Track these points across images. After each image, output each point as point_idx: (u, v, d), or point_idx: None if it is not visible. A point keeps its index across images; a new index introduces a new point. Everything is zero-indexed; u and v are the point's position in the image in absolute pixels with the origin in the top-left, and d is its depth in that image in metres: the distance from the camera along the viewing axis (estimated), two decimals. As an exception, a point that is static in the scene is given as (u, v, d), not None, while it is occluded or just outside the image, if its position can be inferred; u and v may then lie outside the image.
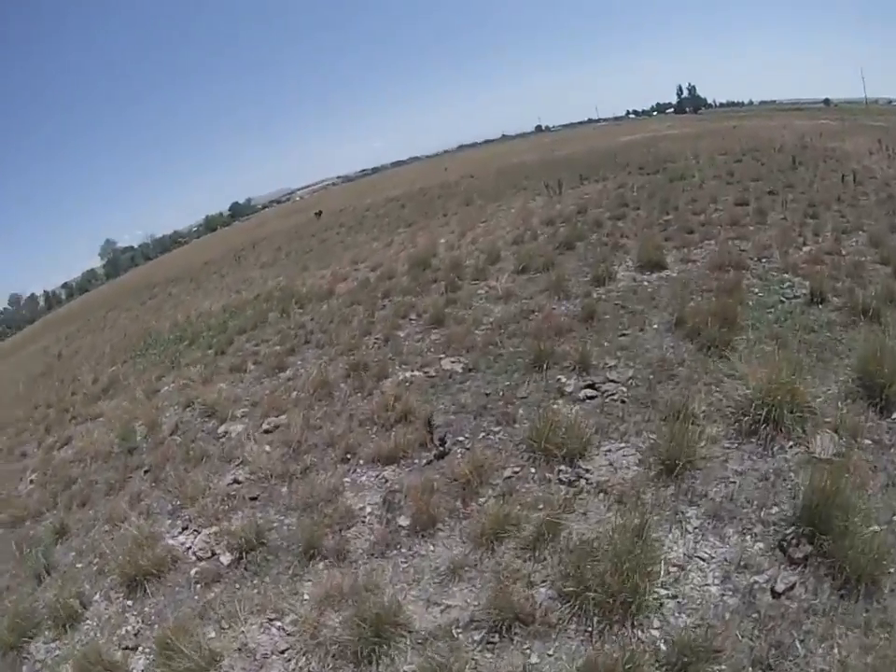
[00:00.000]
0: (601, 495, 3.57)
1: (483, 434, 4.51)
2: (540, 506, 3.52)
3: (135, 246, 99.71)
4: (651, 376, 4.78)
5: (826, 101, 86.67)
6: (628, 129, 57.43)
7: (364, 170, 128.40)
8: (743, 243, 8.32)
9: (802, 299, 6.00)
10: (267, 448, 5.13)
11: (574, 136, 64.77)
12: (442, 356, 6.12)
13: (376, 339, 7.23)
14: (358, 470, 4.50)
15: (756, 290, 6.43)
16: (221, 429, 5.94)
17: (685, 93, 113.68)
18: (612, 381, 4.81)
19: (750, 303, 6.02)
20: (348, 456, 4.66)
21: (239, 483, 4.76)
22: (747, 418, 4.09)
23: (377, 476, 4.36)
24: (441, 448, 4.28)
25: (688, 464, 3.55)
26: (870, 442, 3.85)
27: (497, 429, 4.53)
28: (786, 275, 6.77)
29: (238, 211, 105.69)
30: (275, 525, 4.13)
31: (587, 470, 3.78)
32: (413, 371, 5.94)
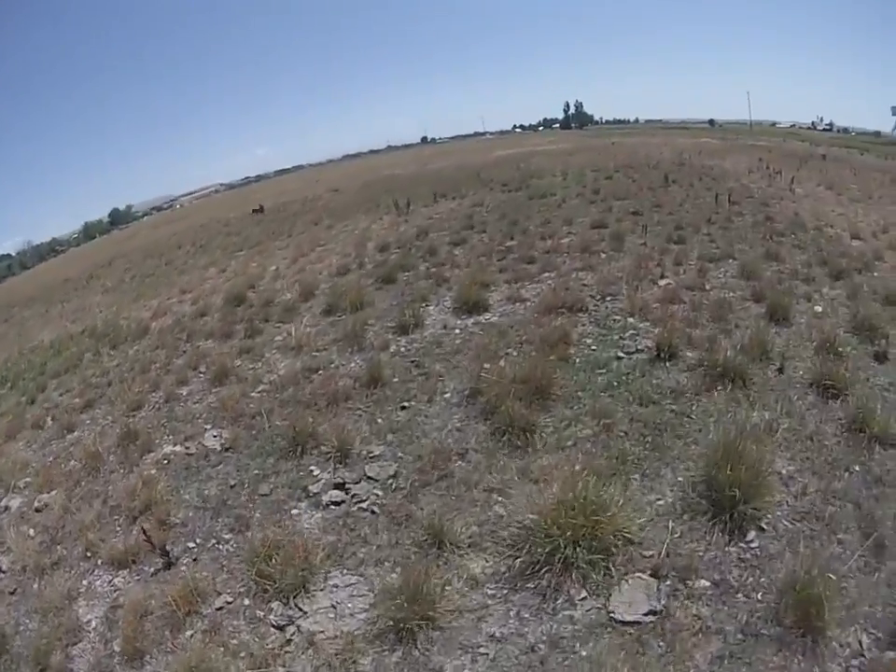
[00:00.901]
0: (310, 651, 3.40)
1: (213, 541, 4.56)
2: (242, 654, 3.45)
3: (13, 254, 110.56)
4: (418, 475, 4.69)
5: (711, 121, 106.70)
6: (510, 143, 68.03)
7: (247, 177, 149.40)
8: (589, 275, 8.98)
9: (646, 353, 6.07)
10: (31, 532, 5.34)
11: (454, 149, 75.55)
12: (209, 426, 6.35)
13: (159, 398, 7.55)
14: (96, 572, 4.60)
15: (589, 342, 6.55)
16: (2, 503, 6.15)
17: (572, 110, 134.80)
18: (370, 479, 4.79)
19: (578, 361, 6.09)
20: (89, 554, 4.78)
21: (3, 572, 4.94)
22: (526, 552, 3.54)
23: (109, 582, 4.46)
24: (167, 557, 4.39)
25: (426, 621, 3.29)
26: (707, 584, 3.34)
27: (228, 537, 4.58)
28: (631, 320, 7.00)
29: (118, 218, 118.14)
30: (21, 628, 4.26)
31: (303, 613, 3.66)
32: (176, 444, 6.19)
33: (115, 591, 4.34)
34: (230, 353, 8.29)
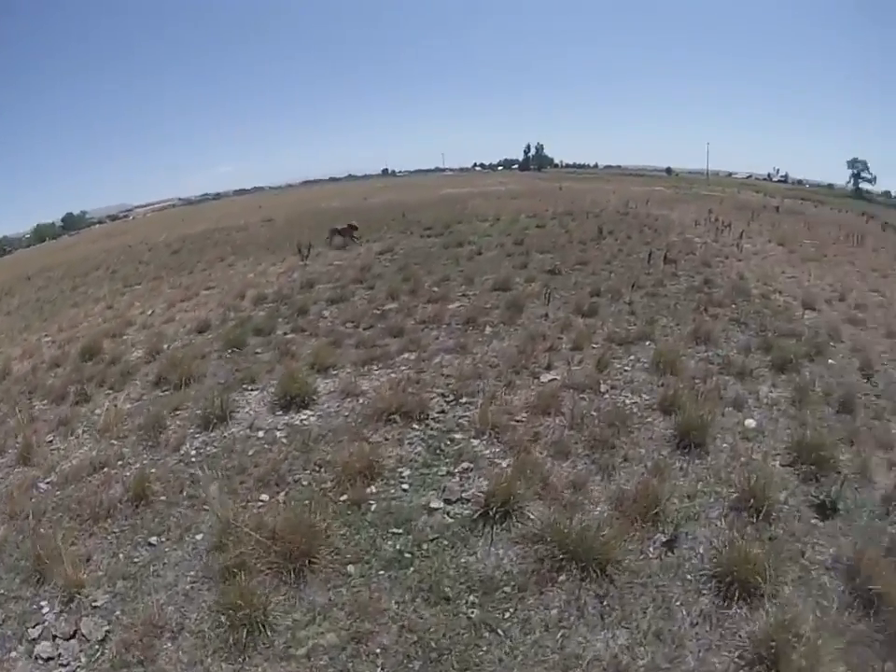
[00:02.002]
0: None
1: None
2: None
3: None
4: (122, 650, 3.93)
5: (668, 170, 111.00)
6: (464, 181, 69.28)
7: (206, 194, 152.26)
8: (457, 360, 7.77)
9: (471, 506, 4.81)
10: None
11: (407, 184, 76.91)
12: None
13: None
14: None
15: (406, 476, 5.32)
16: None
17: (532, 151, 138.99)
18: (82, 636, 4.14)
19: (373, 509, 4.91)
20: None
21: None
22: None
23: None
24: None
25: None
26: None
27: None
28: (475, 442, 5.72)
29: (70, 223, 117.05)
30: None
31: None
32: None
33: None
34: (48, 422, 7.49)
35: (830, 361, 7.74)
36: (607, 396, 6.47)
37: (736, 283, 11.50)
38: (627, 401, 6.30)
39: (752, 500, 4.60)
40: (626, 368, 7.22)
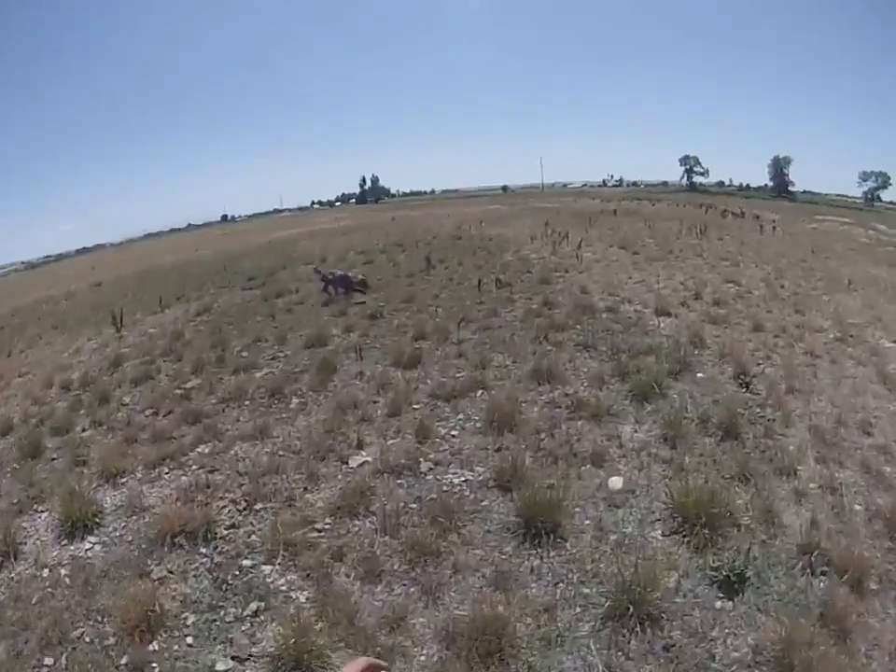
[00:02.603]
0: None
1: None
2: None
3: None
4: None
5: (504, 188, 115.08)
6: (298, 221, 69.04)
7: (48, 256, 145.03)
8: (257, 448, 6.44)
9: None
10: None
11: (243, 230, 74.49)
12: None
13: None
14: None
15: (188, 625, 4.13)
16: None
17: (368, 184, 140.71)
18: None
19: None
20: None
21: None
22: None
23: None
24: None
25: None
26: None
27: None
28: (266, 569, 4.58)
29: None
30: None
31: None
32: None
33: None
34: None
35: (699, 375, 7.13)
36: (430, 477, 5.33)
37: (579, 299, 10.91)
38: (456, 481, 5.21)
39: (633, 598, 3.64)
40: (454, 433, 6.10)
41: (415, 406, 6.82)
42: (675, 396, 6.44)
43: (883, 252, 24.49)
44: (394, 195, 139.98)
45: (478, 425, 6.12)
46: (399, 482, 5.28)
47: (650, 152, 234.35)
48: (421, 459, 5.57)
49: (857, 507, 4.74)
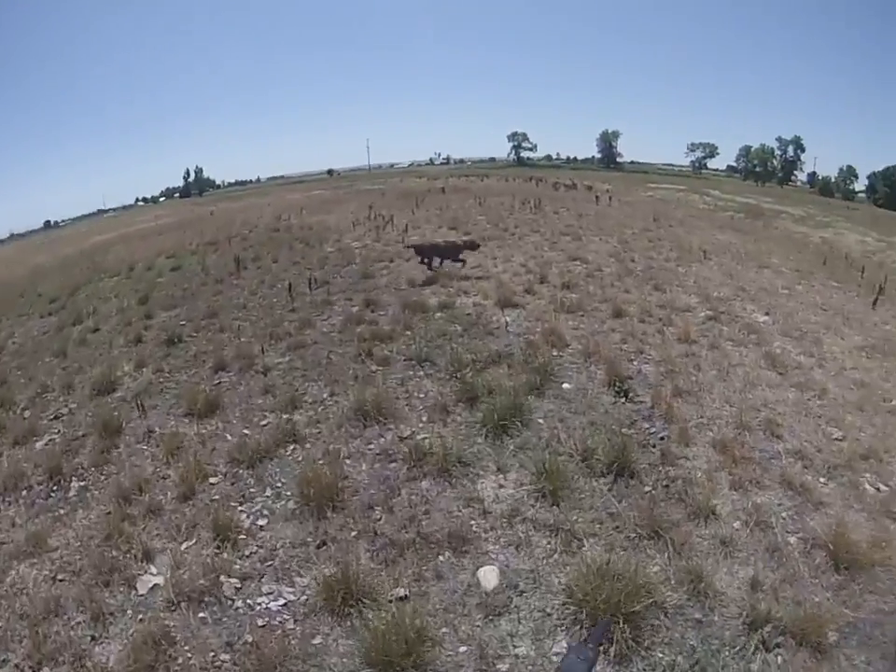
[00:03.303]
0: None
1: None
2: None
3: None
4: None
5: (330, 171, 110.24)
6: (119, 222, 64.53)
7: None
8: (31, 571, 4.44)
9: None
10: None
11: (66, 237, 65.16)
12: None
13: None
14: None
15: None
16: None
17: (192, 176, 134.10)
18: None
19: None
20: None
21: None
22: None
23: None
24: None
25: None
26: None
27: None
28: None
29: None
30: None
31: None
32: None
33: None
34: None
35: (565, 386, 5.81)
36: (239, 603, 3.66)
37: (407, 294, 9.37)
38: (273, 607, 3.58)
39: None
40: (261, 521, 4.34)
41: (212, 480, 5.02)
42: (541, 422, 5.07)
43: (724, 217, 25.29)
44: (219, 186, 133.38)
45: (291, 504, 4.42)
46: (201, 615, 3.61)
47: (478, 131, 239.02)
48: (223, 577, 3.81)
49: (791, 539, 3.87)
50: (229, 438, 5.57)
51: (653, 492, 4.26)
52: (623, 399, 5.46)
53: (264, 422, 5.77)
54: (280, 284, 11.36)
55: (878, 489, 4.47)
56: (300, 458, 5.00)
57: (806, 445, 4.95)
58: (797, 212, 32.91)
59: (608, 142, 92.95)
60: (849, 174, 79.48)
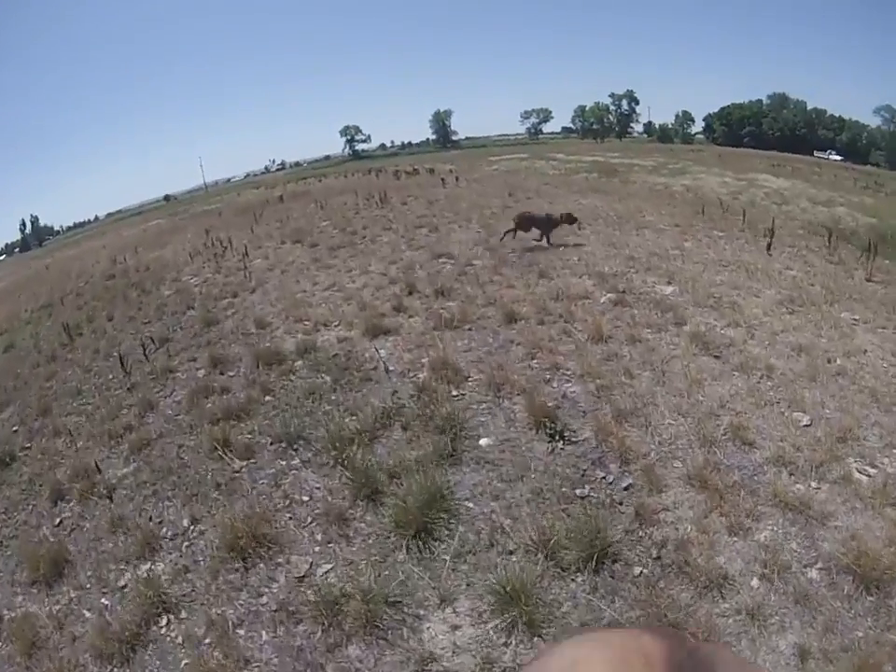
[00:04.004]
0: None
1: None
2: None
3: None
4: None
5: (167, 197, 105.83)
6: None
7: None
8: None
9: None
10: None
11: None
12: None
13: None
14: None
15: None
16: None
17: (28, 227, 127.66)
18: None
19: None
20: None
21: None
22: None
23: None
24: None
25: None
26: None
27: None
28: None
29: None
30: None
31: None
32: None
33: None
34: None
35: (483, 442, 4.55)
36: None
37: (258, 342, 7.63)
38: None
39: None
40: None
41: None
42: (470, 506, 3.84)
43: (579, 179, 24.42)
44: (59, 232, 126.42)
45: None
46: None
47: (310, 131, 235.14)
48: None
49: (813, 575, 3.29)
50: (87, 615, 3.99)
51: (645, 572, 3.30)
52: (559, 443, 4.27)
53: (122, 581, 4.18)
54: (116, 350, 9.22)
55: (869, 475, 4.00)
56: (178, 639, 3.52)
57: (782, 446, 4.30)
58: (647, 163, 33.07)
59: (441, 122, 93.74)
60: (686, 118, 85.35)
